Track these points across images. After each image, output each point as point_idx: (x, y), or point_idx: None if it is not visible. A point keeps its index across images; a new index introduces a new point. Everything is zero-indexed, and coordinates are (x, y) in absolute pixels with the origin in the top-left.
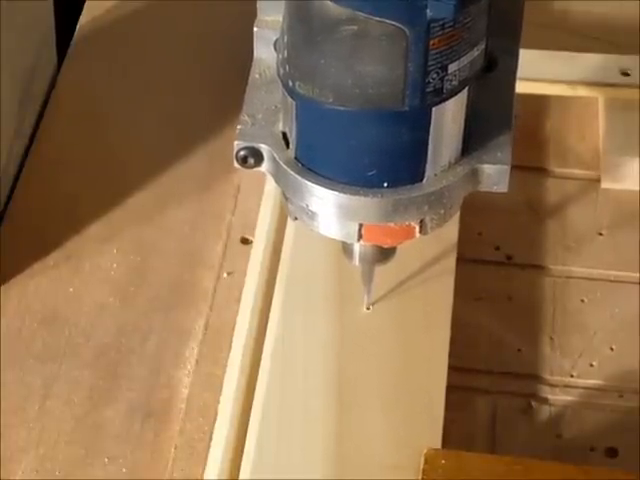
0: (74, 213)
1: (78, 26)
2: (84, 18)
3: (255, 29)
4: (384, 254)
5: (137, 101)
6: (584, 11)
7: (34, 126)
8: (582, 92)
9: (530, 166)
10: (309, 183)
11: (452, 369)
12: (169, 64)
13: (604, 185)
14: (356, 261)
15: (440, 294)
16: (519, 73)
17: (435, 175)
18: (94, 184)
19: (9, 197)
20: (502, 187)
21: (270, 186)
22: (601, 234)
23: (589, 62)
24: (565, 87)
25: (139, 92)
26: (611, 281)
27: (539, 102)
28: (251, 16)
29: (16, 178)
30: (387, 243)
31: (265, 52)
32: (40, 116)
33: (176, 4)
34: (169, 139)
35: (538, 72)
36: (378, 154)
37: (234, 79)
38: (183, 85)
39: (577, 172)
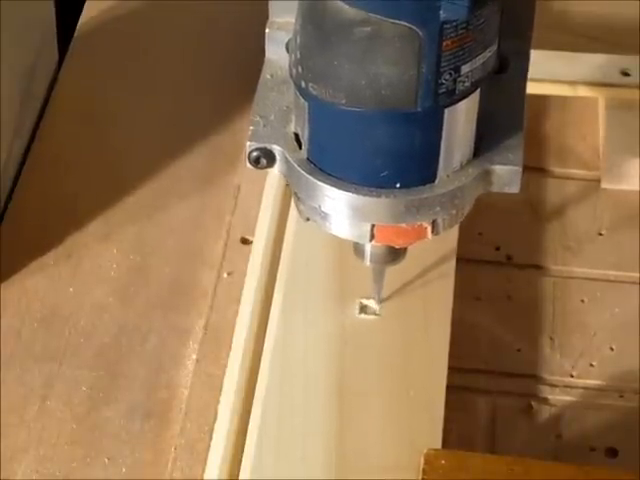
0: (74, 212)
1: (78, 25)
2: (84, 17)
3: (267, 30)
4: (395, 254)
5: (137, 100)
6: (584, 11)
7: (34, 125)
8: (582, 92)
9: (530, 166)
10: (321, 184)
11: (452, 369)
12: (169, 64)
13: (604, 185)
14: (367, 261)
15: (440, 294)
16: None
17: (447, 176)
18: (94, 183)
19: (9, 197)
20: (514, 188)
21: (270, 186)
22: (601, 234)
23: (589, 62)
24: (565, 87)
25: (139, 91)
26: (611, 281)
27: (539, 102)
28: (251, 16)
29: (16, 178)
30: (399, 244)
31: (276, 53)
32: (40, 115)
33: (176, 4)
34: (169, 139)
35: (538, 72)
36: (390, 155)
37: (234, 79)
38: (183, 85)
39: (577, 172)
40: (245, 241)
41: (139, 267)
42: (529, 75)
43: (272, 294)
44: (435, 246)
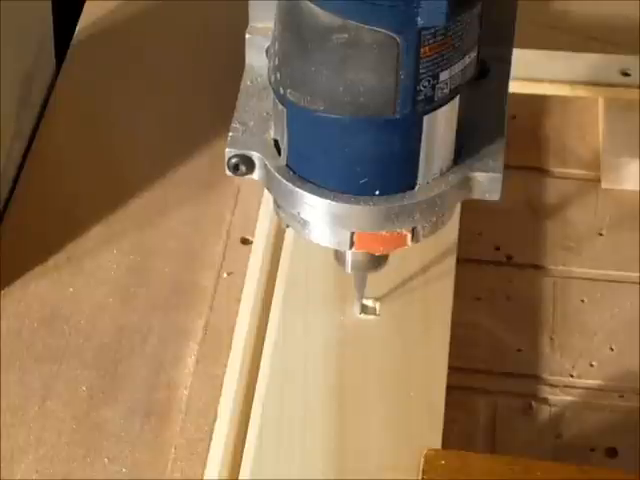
0: (74, 214)
1: (78, 28)
2: (84, 19)
3: (247, 36)
4: (376, 262)
5: (137, 102)
6: (584, 11)
7: (34, 127)
8: (582, 92)
9: (530, 166)
10: (300, 191)
11: (452, 369)
12: (169, 64)
13: (604, 185)
14: (348, 269)
15: (440, 294)
16: (519, 73)
17: (427, 183)
18: (94, 185)
19: (9, 197)
20: (494, 195)
21: None
22: (601, 234)
23: (589, 62)
24: (565, 87)
25: (139, 93)
26: (611, 281)
27: (539, 102)
28: None
29: (16, 179)
30: (379, 251)
31: (257, 59)
32: (40, 117)
33: (176, 4)
34: (169, 140)
35: (538, 72)
36: (369, 162)
37: (234, 80)
38: (183, 86)
39: (577, 172)
40: (245, 241)
41: (139, 267)
42: (529, 75)
43: (272, 294)
44: (435, 246)
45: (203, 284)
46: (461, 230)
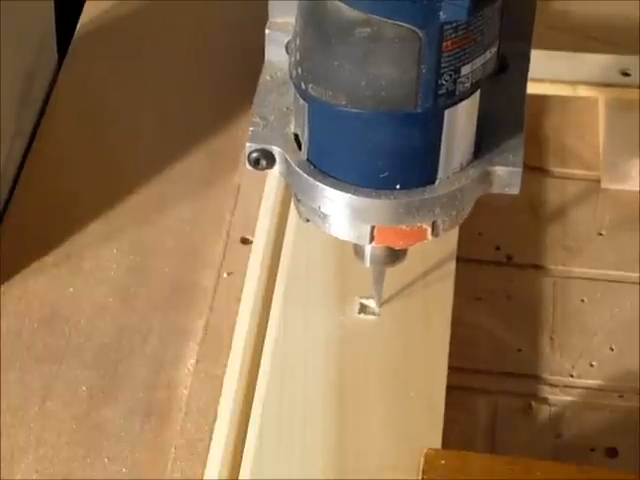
0: (74, 213)
1: (78, 26)
2: (84, 18)
3: (267, 31)
4: (395, 256)
5: (137, 101)
6: (584, 11)
7: (34, 126)
8: (582, 92)
9: (530, 166)
10: (321, 185)
11: (452, 369)
12: (169, 64)
13: (604, 185)
14: (367, 263)
15: (440, 294)
16: None
17: (447, 177)
18: (94, 184)
19: (9, 197)
20: (514, 189)
21: (270, 186)
22: (601, 234)
23: (589, 62)
24: (565, 87)
25: (139, 92)
26: (611, 281)
27: (539, 102)
28: (252, 16)
29: (16, 178)
30: (399, 245)
31: (276, 54)
32: (40, 116)
33: (176, 4)
34: (169, 139)
35: (538, 72)
36: (390, 156)
37: (234, 79)
38: (183, 85)
39: (577, 172)
40: (245, 241)
41: (139, 267)
42: (529, 75)
43: (272, 294)
44: (435, 246)
45: (203, 284)
46: (461, 230)
